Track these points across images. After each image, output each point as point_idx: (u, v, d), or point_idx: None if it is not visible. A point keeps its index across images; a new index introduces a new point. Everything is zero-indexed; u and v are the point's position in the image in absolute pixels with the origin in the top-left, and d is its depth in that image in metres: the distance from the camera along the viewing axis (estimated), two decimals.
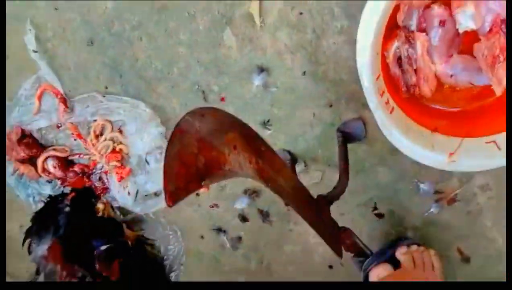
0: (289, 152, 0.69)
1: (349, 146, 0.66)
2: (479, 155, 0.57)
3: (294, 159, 0.68)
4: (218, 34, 0.63)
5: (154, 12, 0.63)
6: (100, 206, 0.77)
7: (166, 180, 0.30)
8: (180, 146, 0.32)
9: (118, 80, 0.68)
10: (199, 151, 0.33)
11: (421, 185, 0.67)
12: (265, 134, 0.68)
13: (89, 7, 0.64)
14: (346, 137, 0.65)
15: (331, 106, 0.65)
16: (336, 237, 0.57)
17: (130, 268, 0.78)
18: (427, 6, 0.57)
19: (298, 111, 0.66)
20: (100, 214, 0.77)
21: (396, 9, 0.57)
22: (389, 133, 0.55)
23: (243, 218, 0.79)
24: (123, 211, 0.80)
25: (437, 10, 0.56)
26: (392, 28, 0.58)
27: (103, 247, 0.75)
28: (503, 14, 0.56)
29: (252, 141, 0.42)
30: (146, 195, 0.77)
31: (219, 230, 0.81)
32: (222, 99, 0.68)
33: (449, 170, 0.57)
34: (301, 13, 0.61)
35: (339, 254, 0.57)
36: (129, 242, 0.78)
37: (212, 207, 0.79)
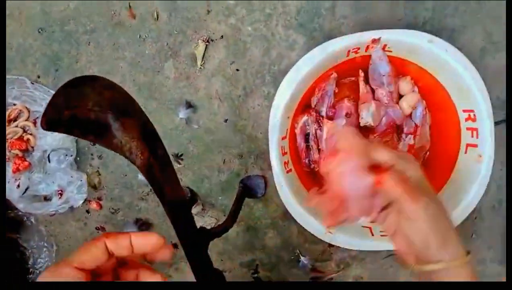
0: (191, 191, 0.71)
1: (248, 201, 0.70)
2: (354, 235, 0.63)
3: (194, 199, 0.71)
4: (161, 62, 0.70)
5: (109, 25, 0.69)
6: None
7: (52, 103, 0.33)
8: (85, 92, 0.35)
9: (52, 73, 0.72)
10: (94, 109, 0.36)
11: (302, 258, 0.71)
12: (174, 166, 0.71)
13: (53, 1, 0.69)
14: (246, 190, 0.69)
15: (241, 157, 0.70)
16: (209, 276, 0.58)
17: None
18: (340, 99, 0.68)
19: (211, 154, 0.71)
20: None
21: (313, 92, 0.67)
22: (280, 188, 0.61)
23: None
24: (5, 207, 0.76)
25: (347, 104, 0.67)
26: (308, 106, 0.67)
27: None
28: (398, 120, 0.67)
29: (150, 137, 0.45)
30: (35, 196, 0.75)
31: None
32: None
33: (326, 241, 0.62)
34: (237, 70, 0.69)
35: None
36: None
37: (98, 229, 0.78)
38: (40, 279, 0.32)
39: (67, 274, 0.33)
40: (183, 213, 0.55)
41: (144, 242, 0.36)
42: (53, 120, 0.33)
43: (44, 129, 0.33)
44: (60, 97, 0.34)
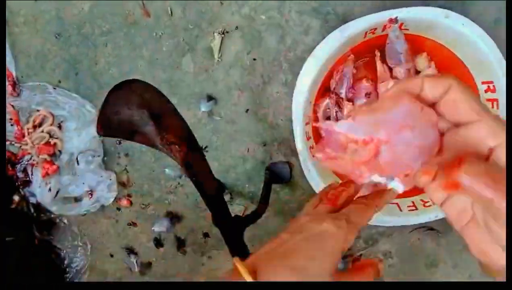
0: (218, 181, 0.73)
1: (274, 187, 0.72)
2: (382, 212, 0.64)
3: (221, 188, 0.73)
4: (178, 58, 0.71)
5: (125, 25, 0.70)
6: (16, 198, 0.76)
7: (102, 110, 0.35)
8: (125, 96, 0.37)
9: (73, 77, 0.73)
10: (138, 111, 0.38)
11: None
12: None
13: (67, 5, 0.70)
14: (272, 177, 0.71)
15: (265, 145, 0.72)
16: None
17: (31, 269, 0.75)
18: (358, 80, 0.69)
19: (235, 143, 0.73)
20: (14, 206, 0.76)
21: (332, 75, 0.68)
22: (308, 173, 0.62)
23: (158, 243, 0.80)
24: (37, 211, 0.79)
25: (365, 84, 0.68)
26: (328, 89, 0.68)
27: (7, 239, 0.74)
28: None
29: (188, 134, 0.47)
30: (65, 198, 0.77)
31: (131, 251, 0.81)
32: None
33: None
34: (254, 59, 0.70)
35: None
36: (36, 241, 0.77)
37: (130, 225, 0.80)
38: None
39: None
40: (220, 203, 0.57)
41: None
42: (105, 126, 0.35)
43: (101, 135, 0.35)
44: (107, 104, 0.36)
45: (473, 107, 0.29)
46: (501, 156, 0.28)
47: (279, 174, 0.72)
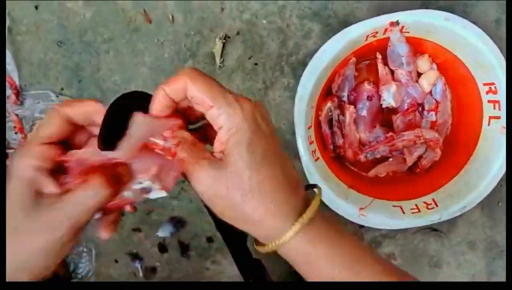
0: None
1: None
2: (386, 215, 0.64)
3: None
4: (180, 64, 0.71)
5: (127, 31, 0.70)
6: None
7: (104, 124, 0.34)
8: (126, 107, 0.36)
9: (75, 84, 0.73)
10: None
11: None
12: None
13: (69, 13, 0.70)
14: None
15: None
16: (250, 265, 0.61)
17: None
18: (360, 82, 0.69)
19: None
20: None
21: (333, 78, 0.68)
22: (310, 176, 0.62)
23: (162, 248, 0.80)
24: None
25: (367, 87, 0.68)
26: (330, 93, 0.68)
27: None
28: (419, 98, 0.68)
29: None
30: None
31: (136, 256, 0.81)
32: None
33: (359, 223, 0.64)
34: (256, 64, 0.70)
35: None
36: None
37: (135, 230, 0.80)
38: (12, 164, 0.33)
39: (42, 151, 0.33)
40: None
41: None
42: (107, 139, 0.34)
43: (101, 150, 0.34)
44: (109, 117, 0.35)
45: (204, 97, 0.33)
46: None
47: None
